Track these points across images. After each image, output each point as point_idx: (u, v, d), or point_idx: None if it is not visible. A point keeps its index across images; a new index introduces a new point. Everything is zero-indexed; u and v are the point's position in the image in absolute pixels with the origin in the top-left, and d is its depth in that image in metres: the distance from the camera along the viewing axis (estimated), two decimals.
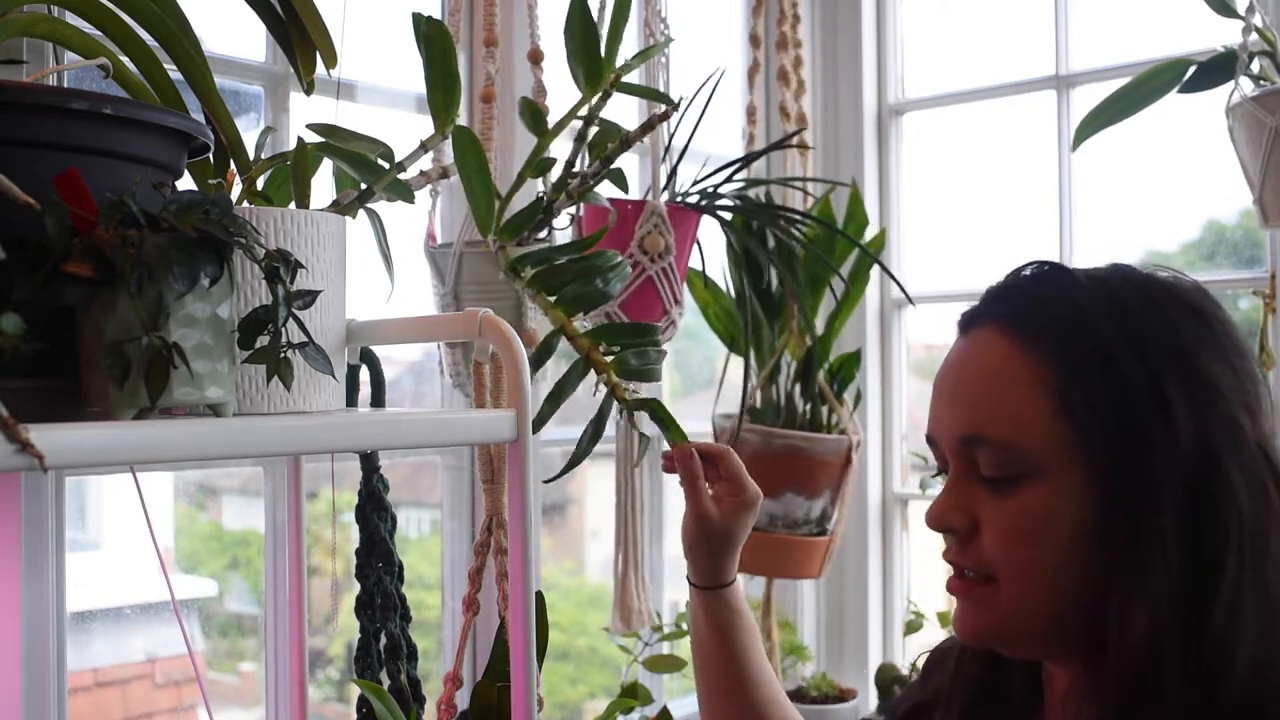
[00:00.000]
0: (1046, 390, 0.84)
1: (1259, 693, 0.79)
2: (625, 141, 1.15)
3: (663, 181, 1.69)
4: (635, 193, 1.64)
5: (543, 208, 1.17)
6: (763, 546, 1.90)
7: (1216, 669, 0.79)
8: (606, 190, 1.24)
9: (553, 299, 1.12)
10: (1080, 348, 0.84)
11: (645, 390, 1.44)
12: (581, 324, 1.14)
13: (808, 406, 1.96)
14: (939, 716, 1.00)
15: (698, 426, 2.12)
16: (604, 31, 1.19)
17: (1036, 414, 0.84)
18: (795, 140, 2.08)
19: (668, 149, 1.70)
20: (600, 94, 1.18)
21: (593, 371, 1.14)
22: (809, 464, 1.90)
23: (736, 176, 1.81)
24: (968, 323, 0.92)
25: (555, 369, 1.30)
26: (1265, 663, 0.80)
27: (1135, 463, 0.81)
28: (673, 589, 2.25)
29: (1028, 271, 0.91)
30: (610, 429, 1.19)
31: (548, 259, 1.14)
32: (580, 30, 1.18)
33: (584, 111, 1.19)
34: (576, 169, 1.19)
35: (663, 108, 1.32)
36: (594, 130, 1.20)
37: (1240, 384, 0.84)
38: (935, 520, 0.90)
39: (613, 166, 1.17)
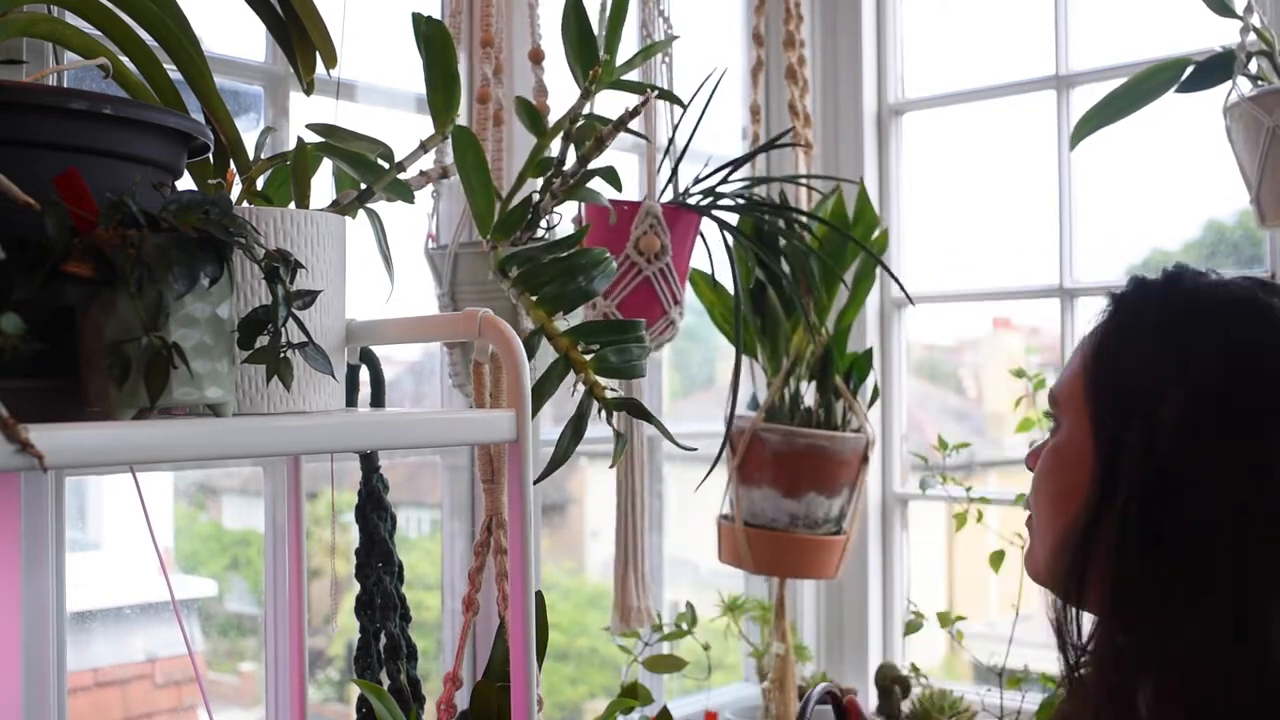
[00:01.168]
0: (1085, 352, 0.96)
1: None
2: (599, 140, 1.14)
3: (664, 182, 1.69)
4: (638, 193, 1.64)
5: (531, 207, 1.17)
6: (783, 547, 1.90)
7: None
8: (606, 191, 1.23)
9: (535, 298, 1.12)
10: (1122, 320, 0.94)
11: (647, 388, 1.44)
12: (562, 322, 1.13)
13: (821, 406, 1.96)
14: None
15: (697, 426, 2.12)
16: (601, 30, 1.18)
17: (1076, 369, 0.96)
18: (791, 138, 2.07)
19: (668, 149, 1.70)
20: (584, 91, 1.17)
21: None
22: (831, 463, 1.89)
23: (740, 175, 1.80)
24: None
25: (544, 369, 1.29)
26: None
27: (1121, 424, 0.90)
28: (673, 588, 2.25)
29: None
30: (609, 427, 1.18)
31: (534, 258, 1.13)
32: (575, 28, 1.18)
33: (585, 110, 1.19)
34: (566, 168, 1.19)
35: (667, 109, 1.31)
36: (577, 128, 1.19)
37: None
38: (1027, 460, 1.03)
39: (595, 166, 1.16)
